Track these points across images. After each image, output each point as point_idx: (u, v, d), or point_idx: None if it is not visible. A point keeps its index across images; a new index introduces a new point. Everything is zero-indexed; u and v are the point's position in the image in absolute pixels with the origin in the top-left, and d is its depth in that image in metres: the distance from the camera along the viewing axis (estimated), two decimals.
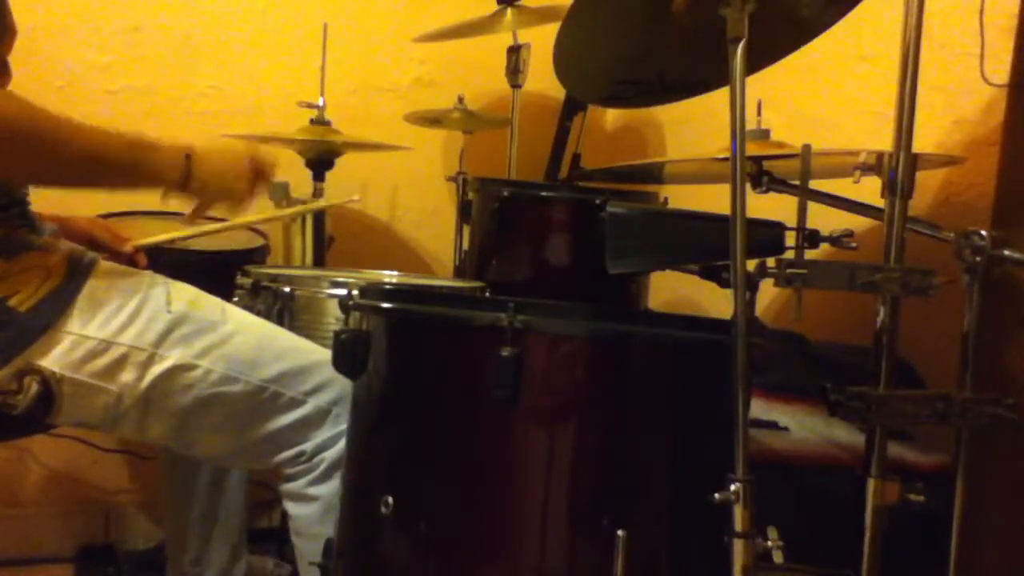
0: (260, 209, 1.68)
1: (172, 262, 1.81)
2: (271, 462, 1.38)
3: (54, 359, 1.26)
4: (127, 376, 1.29)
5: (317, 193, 2.15)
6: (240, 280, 1.61)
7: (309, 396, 1.35)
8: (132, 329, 1.29)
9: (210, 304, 1.38)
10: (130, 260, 1.56)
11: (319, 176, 2.16)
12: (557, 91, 2.24)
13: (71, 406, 1.29)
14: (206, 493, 1.70)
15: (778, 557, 1.09)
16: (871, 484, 1.06)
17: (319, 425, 1.35)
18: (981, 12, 1.59)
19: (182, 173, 1.32)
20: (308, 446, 1.35)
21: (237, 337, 1.35)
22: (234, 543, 1.73)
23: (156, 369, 1.29)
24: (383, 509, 1.14)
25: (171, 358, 1.30)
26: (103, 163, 1.26)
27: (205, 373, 1.31)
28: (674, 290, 2.23)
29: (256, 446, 1.36)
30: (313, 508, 1.36)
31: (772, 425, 1.58)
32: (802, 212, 1.12)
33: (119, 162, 1.27)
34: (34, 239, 1.29)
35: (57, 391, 1.26)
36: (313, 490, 1.35)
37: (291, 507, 1.39)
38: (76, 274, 1.29)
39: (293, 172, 2.09)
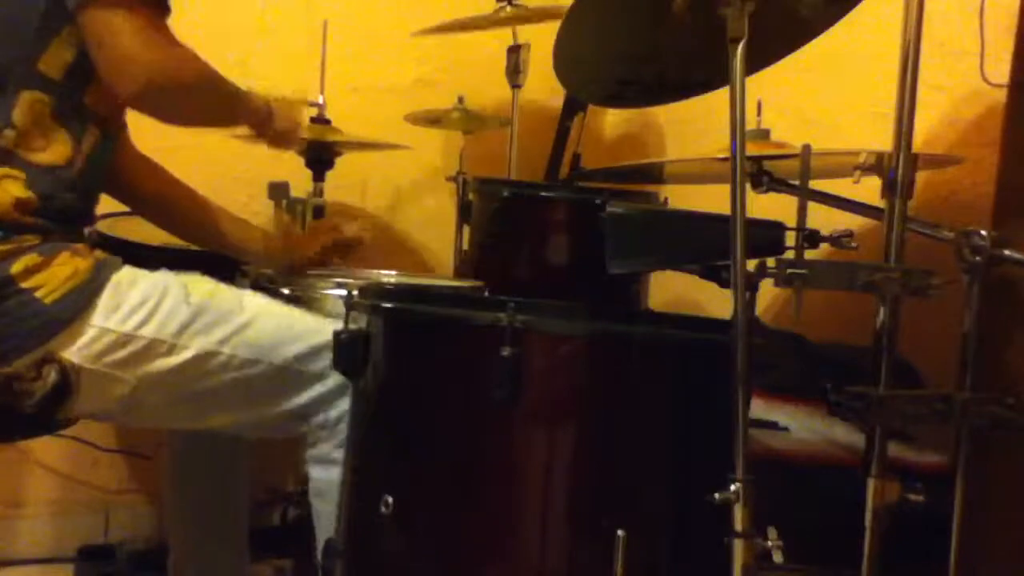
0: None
1: (172, 262, 1.81)
2: (294, 432, 1.43)
3: (75, 350, 1.30)
4: (147, 367, 1.34)
5: (317, 193, 2.15)
6: (239, 280, 1.61)
7: (329, 371, 1.39)
8: (153, 322, 1.34)
9: (228, 294, 1.43)
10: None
11: (319, 176, 2.16)
12: (557, 91, 2.23)
13: (87, 396, 1.32)
14: (210, 501, 1.71)
15: (778, 557, 1.09)
16: (871, 484, 1.06)
17: (340, 396, 1.39)
18: (981, 12, 1.59)
19: (265, 120, 1.58)
20: (332, 414, 1.40)
21: (256, 323, 1.40)
22: (238, 552, 1.74)
23: (177, 359, 1.35)
24: (383, 509, 1.14)
25: (192, 347, 1.35)
26: (236, 106, 1.52)
27: (228, 359, 1.37)
28: (674, 290, 2.23)
29: (278, 419, 1.42)
30: (337, 472, 1.38)
31: (772, 425, 1.58)
32: (802, 212, 1.12)
33: (243, 105, 1.53)
34: (71, 244, 1.34)
35: (75, 381, 1.31)
36: (337, 454, 1.39)
37: (314, 470, 1.44)
38: (101, 272, 1.34)
39: (293, 172, 2.09)
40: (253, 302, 1.44)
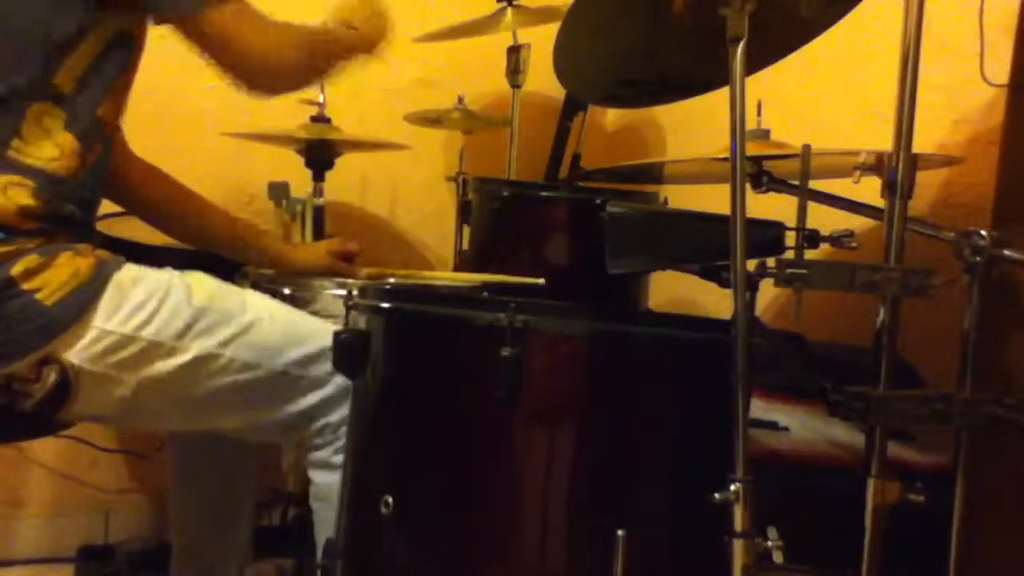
0: None
1: (171, 262, 1.81)
2: (296, 437, 1.43)
3: (76, 352, 1.29)
4: (147, 369, 1.32)
5: (317, 193, 2.14)
6: (238, 281, 1.61)
7: (331, 375, 1.38)
8: (154, 324, 1.33)
9: (231, 295, 1.42)
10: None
11: (319, 176, 2.16)
12: (557, 91, 2.23)
13: (87, 398, 1.32)
14: (216, 500, 1.71)
15: (778, 557, 1.09)
16: (871, 484, 1.06)
17: (342, 401, 1.38)
18: (981, 12, 1.59)
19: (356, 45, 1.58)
20: (333, 419, 1.40)
21: (258, 325, 1.38)
22: (242, 552, 1.74)
23: (177, 361, 1.33)
24: (383, 509, 1.14)
25: (193, 350, 1.34)
26: (339, 54, 1.54)
27: (228, 362, 1.35)
28: (674, 290, 2.23)
29: (279, 423, 1.41)
30: (337, 476, 1.37)
31: (772, 425, 1.58)
32: (802, 212, 1.12)
33: (336, 55, 1.54)
34: (73, 245, 1.33)
35: (74, 382, 1.30)
36: (337, 459, 1.39)
37: (315, 475, 1.44)
38: (103, 271, 1.32)
39: (293, 172, 2.09)
40: (256, 303, 1.43)
